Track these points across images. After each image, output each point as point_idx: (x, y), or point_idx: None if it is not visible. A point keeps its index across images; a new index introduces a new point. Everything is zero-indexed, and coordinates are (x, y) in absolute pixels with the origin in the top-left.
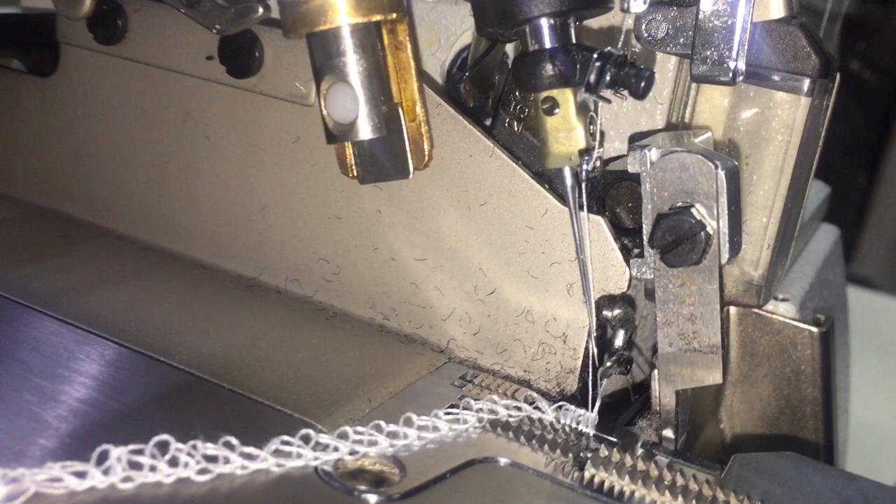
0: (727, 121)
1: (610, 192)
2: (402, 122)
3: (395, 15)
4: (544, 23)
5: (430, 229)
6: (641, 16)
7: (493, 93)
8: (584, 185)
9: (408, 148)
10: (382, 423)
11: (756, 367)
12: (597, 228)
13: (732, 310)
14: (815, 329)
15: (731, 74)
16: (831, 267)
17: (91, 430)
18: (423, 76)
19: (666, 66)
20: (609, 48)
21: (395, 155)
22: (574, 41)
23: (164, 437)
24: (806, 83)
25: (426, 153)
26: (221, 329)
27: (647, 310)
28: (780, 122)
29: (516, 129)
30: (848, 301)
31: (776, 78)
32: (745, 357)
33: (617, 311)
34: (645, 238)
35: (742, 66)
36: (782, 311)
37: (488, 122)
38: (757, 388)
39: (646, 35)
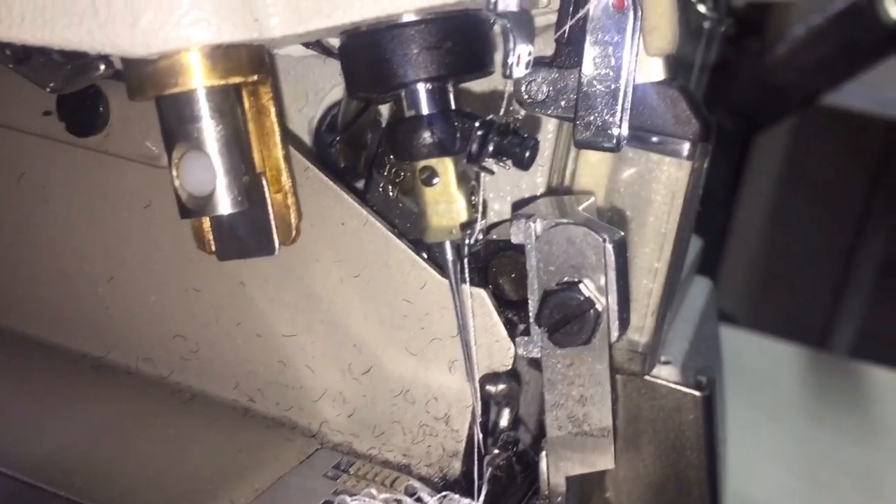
0: (609, 183)
1: (492, 262)
2: (266, 194)
3: (256, 76)
4: (421, 88)
5: (299, 303)
6: (522, 77)
7: (365, 153)
8: (465, 260)
9: (272, 222)
10: None
11: (640, 434)
12: (480, 303)
13: (617, 377)
14: (697, 394)
15: (615, 141)
16: (707, 321)
17: None
18: (289, 139)
19: (546, 128)
20: (491, 116)
21: (259, 230)
22: (453, 106)
23: None
24: (686, 147)
25: (293, 227)
26: (60, 422)
27: (530, 375)
28: (662, 185)
29: (391, 193)
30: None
31: (657, 140)
32: (629, 423)
33: (501, 387)
34: (531, 316)
35: (626, 131)
36: (665, 374)
37: (360, 184)
38: (642, 455)
39: (525, 97)
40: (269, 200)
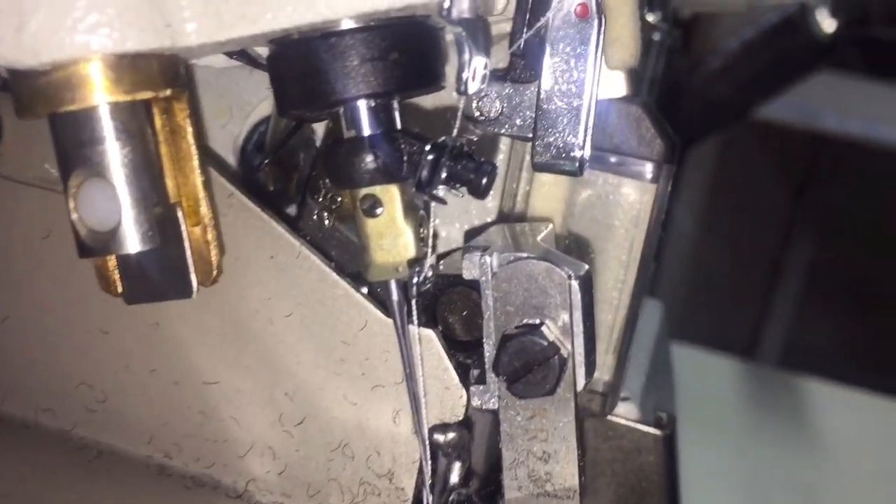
0: (565, 207)
1: (441, 298)
2: (182, 228)
3: (169, 91)
4: (362, 105)
5: (222, 346)
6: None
7: (296, 174)
8: (414, 301)
9: (189, 260)
10: None
11: (599, 476)
12: (428, 346)
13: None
14: (658, 433)
15: (577, 165)
16: (661, 348)
17: None
18: (210, 160)
19: (499, 147)
20: (444, 138)
21: (174, 269)
22: (399, 126)
23: None
24: (650, 169)
25: (214, 265)
26: None
27: (475, 416)
28: (623, 210)
29: (327, 222)
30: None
31: (615, 161)
32: (587, 465)
33: (451, 436)
34: (487, 363)
35: (588, 154)
36: (623, 412)
37: (291, 210)
38: (599, 499)
39: (477, 114)
40: (185, 235)
